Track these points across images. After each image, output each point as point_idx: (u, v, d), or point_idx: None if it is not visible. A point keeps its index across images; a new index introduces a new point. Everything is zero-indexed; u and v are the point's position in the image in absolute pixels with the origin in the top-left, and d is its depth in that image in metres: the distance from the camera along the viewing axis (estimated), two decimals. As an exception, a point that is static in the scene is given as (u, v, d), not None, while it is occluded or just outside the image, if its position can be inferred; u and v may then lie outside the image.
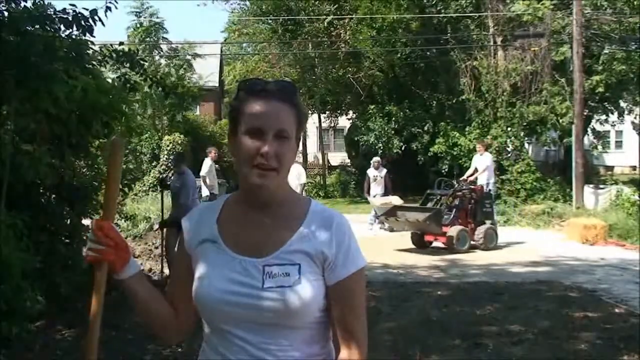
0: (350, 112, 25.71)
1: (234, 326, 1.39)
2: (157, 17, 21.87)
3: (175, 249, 1.64)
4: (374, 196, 13.95)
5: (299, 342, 1.40)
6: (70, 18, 4.96)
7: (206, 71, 24.01)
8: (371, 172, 14.26)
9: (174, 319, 1.52)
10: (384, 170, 14.34)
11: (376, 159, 15.01)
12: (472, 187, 11.48)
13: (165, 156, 18.82)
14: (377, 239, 11.76)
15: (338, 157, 28.89)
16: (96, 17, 5.04)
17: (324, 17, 21.69)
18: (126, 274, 1.45)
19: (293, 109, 1.41)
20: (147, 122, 19.52)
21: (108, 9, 5.20)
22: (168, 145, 19.03)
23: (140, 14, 21.58)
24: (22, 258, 4.05)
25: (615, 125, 23.95)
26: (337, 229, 1.41)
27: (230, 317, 1.38)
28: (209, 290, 1.40)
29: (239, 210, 1.46)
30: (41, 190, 5.91)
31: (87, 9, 5.06)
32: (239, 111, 1.41)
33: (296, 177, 11.49)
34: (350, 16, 21.65)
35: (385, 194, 14.08)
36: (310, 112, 24.81)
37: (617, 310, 6.50)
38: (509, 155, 19.82)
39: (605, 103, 21.30)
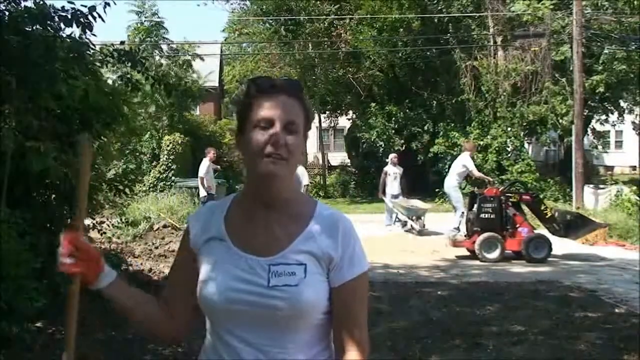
0: (350, 112, 25.72)
1: (237, 326, 1.39)
2: (158, 17, 21.84)
3: None
4: (393, 196, 13.47)
5: (300, 344, 1.40)
6: (69, 16, 4.97)
7: (206, 71, 23.98)
8: (390, 169, 13.68)
9: (166, 318, 1.51)
10: (401, 168, 13.87)
11: (394, 155, 14.49)
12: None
13: (165, 156, 18.81)
14: (377, 239, 11.76)
15: (338, 157, 28.90)
16: (95, 14, 5.04)
17: (325, 17, 21.69)
18: (101, 284, 1.44)
19: (301, 104, 1.43)
20: (147, 122, 19.48)
21: (107, 4, 5.20)
22: (168, 145, 19.02)
23: (141, 14, 21.54)
24: (23, 257, 4.06)
25: (615, 125, 23.98)
26: (344, 232, 1.43)
27: (234, 316, 1.38)
28: (214, 288, 1.40)
29: (247, 209, 1.46)
30: (41, 191, 5.91)
31: (85, 6, 5.07)
32: (249, 108, 1.41)
33: (297, 178, 11.41)
34: (351, 16, 21.66)
35: (399, 194, 13.71)
36: (310, 112, 24.78)
37: (617, 310, 6.50)
38: (509, 155, 19.84)
39: (605, 103, 21.32)
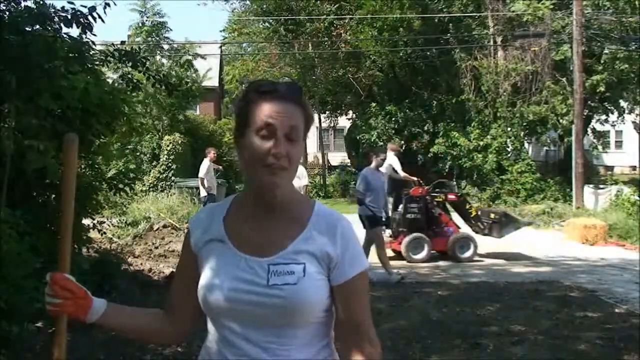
0: (350, 112, 25.72)
1: (237, 324, 1.40)
2: (161, 17, 21.77)
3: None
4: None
5: (301, 342, 1.41)
6: (69, 16, 4.96)
7: (206, 71, 23.95)
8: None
9: (166, 326, 1.54)
10: None
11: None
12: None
13: (165, 156, 18.80)
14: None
15: (338, 157, 28.90)
16: (95, 14, 5.03)
17: (325, 17, 21.69)
18: (93, 317, 1.45)
19: (301, 110, 1.42)
20: (149, 122, 19.47)
21: (107, 5, 5.19)
22: (168, 146, 19.02)
23: (143, 13, 21.48)
24: (23, 258, 4.05)
25: (615, 125, 23.94)
26: (342, 231, 1.44)
27: (236, 315, 1.40)
28: (215, 288, 1.41)
29: (246, 210, 1.47)
30: (41, 191, 5.91)
31: (85, 6, 5.07)
32: (249, 112, 1.41)
33: (297, 178, 11.42)
34: (351, 16, 21.66)
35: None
36: (310, 112, 24.76)
37: (617, 310, 6.50)
38: (509, 155, 19.84)
39: (606, 103, 21.30)
